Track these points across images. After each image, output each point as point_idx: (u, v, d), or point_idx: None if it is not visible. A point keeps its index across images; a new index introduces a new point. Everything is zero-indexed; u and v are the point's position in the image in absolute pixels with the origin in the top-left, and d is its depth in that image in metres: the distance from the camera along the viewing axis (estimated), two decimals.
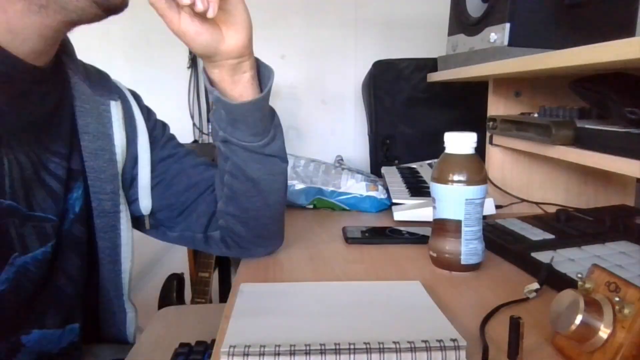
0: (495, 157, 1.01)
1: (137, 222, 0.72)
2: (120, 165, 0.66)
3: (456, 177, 0.64)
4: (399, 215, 0.89)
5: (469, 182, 0.64)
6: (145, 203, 0.70)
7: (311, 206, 1.00)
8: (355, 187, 0.99)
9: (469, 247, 0.65)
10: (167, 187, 0.72)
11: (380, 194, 0.98)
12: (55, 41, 0.58)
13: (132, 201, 0.70)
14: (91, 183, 0.63)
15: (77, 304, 0.66)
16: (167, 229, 0.74)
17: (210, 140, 1.78)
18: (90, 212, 0.65)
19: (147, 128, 0.71)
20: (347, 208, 0.99)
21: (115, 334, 0.73)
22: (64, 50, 0.64)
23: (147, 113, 0.74)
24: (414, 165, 1.28)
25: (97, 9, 0.54)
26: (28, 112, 0.57)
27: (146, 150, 0.70)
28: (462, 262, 0.65)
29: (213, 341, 0.75)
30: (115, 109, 0.66)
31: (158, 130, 0.74)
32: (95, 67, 0.71)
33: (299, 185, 0.99)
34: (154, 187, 0.71)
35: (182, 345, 0.79)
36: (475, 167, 0.65)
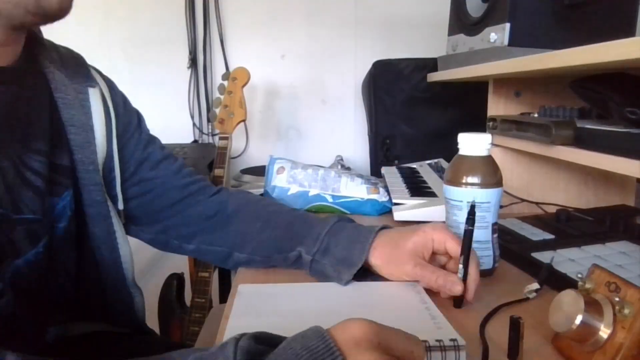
0: (495, 157, 1.00)
1: None
2: (101, 157, 0.65)
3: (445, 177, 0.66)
4: (399, 215, 0.89)
5: (447, 182, 0.65)
6: (121, 198, 0.69)
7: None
8: (356, 190, 0.98)
9: None
10: (144, 192, 0.72)
11: (381, 197, 0.97)
12: (9, 42, 0.55)
13: (111, 196, 0.68)
14: (81, 175, 0.62)
15: (77, 300, 0.66)
16: (140, 230, 0.75)
17: (211, 140, 1.78)
18: (80, 205, 0.63)
19: (118, 120, 0.69)
20: (348, 212, 0.98)
21: (127, 320, 0.74)
22: (33, 40, 0.60)
23: (123, 103, 0.73)
24: (414, 165, 1.28)
25: (34, 17, 0.51)
26: (1, 115, 0.55)
27: (115, 151, 0.68)
28: None
29: None
30: (94, 97, 0.64)
31: (133, 125, 0.73)
32: (69, 49, 0.68)
33: (296, 189, 0.98)
34: (130, 187, 0.71)
35: None
36: (457, 169, 0.64)
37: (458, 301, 0.54)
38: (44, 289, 0.61)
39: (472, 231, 0.55)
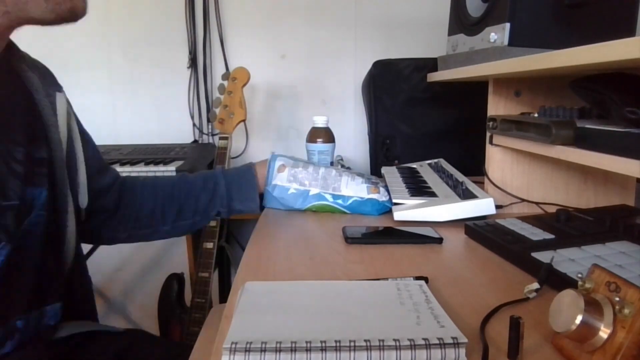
0: (495, 157, 1.01)
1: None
2: (64, 155, 0.72)
3: None
4: (399, 215, 0.89)
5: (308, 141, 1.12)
6: (82, 197, 0.77)
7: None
8: (356, 190, 0.98)
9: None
10: (100, 191, 0.86)
11: (382, 197, 0.97)
12: (4, 39, 0.62)
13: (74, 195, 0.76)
14: (57, 172, 0.69)
15: (53, 283, 0.72)
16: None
17: (211, 140, 1.78)
18: (53, 198, 0.70)
19: (78, 123, 0.80)
20: (348, 212, 0.98)
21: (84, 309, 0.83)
22: (8, 46, 0.66)
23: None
24: (414, 165, 1.28)
25: (56, 17, 0.58)
26: None
27: (80, 149, 0.76)
28: None
29: None
30: (60, 101, 0.72)
31: (82, 128, 0.83)
32: (35, 59, 0.75)
33: (297, 187, 0.98)
34: (93, 186, 0.80)
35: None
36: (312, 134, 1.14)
37: None
38: (13, 275, 0.65)
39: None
